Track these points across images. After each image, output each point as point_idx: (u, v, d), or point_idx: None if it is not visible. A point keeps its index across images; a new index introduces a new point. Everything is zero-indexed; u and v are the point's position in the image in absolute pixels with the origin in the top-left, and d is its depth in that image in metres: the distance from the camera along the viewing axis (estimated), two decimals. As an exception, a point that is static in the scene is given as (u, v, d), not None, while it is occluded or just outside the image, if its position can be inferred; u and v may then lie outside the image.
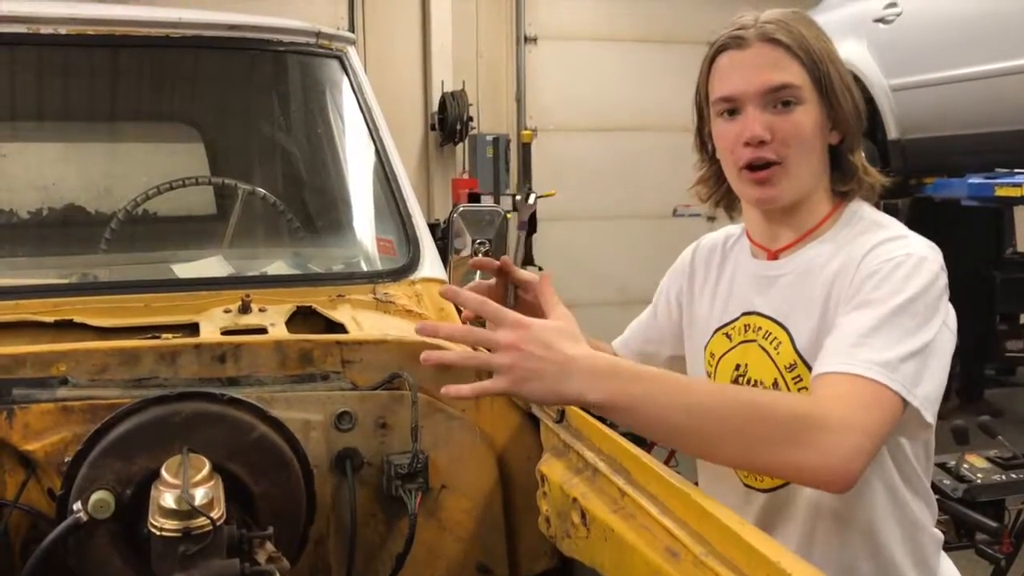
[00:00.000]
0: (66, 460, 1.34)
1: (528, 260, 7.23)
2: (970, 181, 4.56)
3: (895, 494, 1.44)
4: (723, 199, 1.60)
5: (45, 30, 2.17)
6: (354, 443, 1.56)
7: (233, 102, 2.80)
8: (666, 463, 1.32)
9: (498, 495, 1.66)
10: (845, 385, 1.23)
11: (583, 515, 1.38)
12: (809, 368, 1.40)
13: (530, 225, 6.95)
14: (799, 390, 1.43)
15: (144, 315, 1.86)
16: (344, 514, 1.55)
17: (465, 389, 1.18)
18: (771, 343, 1.48)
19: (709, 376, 1.59)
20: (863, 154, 1.52)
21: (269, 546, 1.25)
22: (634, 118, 8.24)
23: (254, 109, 2.73)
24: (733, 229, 1.67)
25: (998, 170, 4.56)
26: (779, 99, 1.41)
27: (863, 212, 1.50)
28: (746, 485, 1.51)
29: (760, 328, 1.50)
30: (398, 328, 1.90)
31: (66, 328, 1.78)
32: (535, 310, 1.38)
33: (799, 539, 1.45)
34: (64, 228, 2.64)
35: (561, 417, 1.57)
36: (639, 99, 8.24)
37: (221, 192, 2.61)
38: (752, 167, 1.44)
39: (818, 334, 1.40)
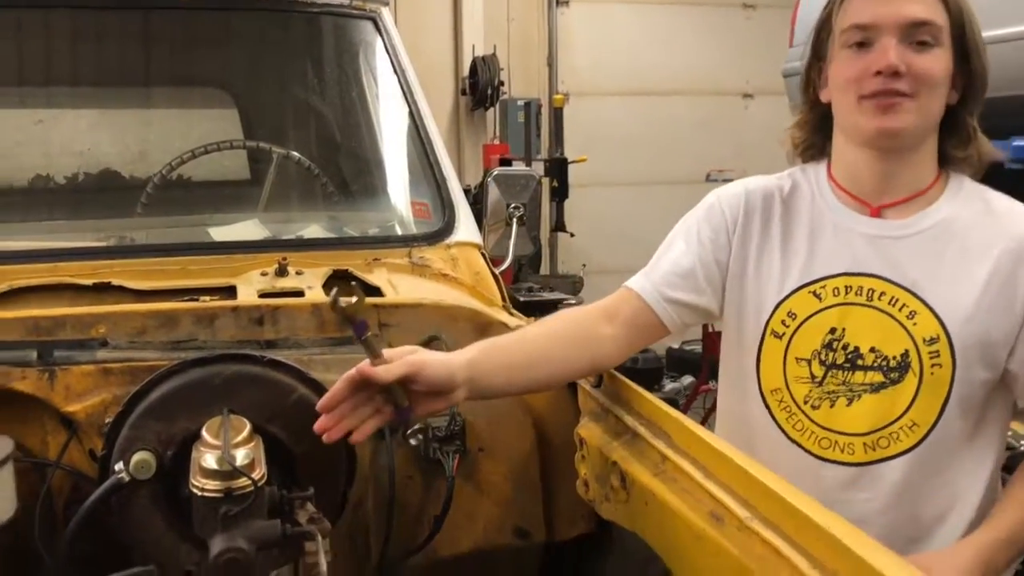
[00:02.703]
0: (107, 421, 1.35)
1: (560, 227, 7.19)
2: (1014, 143, 4.46)
3: (993, 479, 1.45)
4: (811, 148, 1.55)
5: (79, -7, 2.17)
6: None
7: (267, 65, 2.78)
8: (702, 423, 1.30)
9: (535, 459, 1.66)
10: None
11: (623, 479, 1.36)
12: (951, 345, 1.37)
13: (561, 191, 6.91)
14: (933, 366, 1.39)
15: (181, 278, 1.86)
16: (382, 476, 1.55)
17: None
18: (900, 310, 1.41)
19: (779, 337, 1.48)
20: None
21: (310, 507, 1.25)
22: (667, 82, 8.12)
23: (288, 72, 2.72)
24: (779, 179, 1.56)
25: (1043, 132, 4.45)
26: (917, 37, 1.36)
27: (967, 181, 1.46)
28: (820, 458, 1.45)
29: (876, 291, 1.42)
30: (434, 292, 1.89)
31: (104, 291, 1.79)
32: (433, 393, 1.29)
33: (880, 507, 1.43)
34: (100, 193, 2.64)
35: (599, 382, 1.56)
36: (672, 63, 8.11)
37: (255, 157, 2.60)
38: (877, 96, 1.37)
39: (975, 314, 1.37)
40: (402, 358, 1.25)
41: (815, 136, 1.54)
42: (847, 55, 1.40)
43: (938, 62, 1.37)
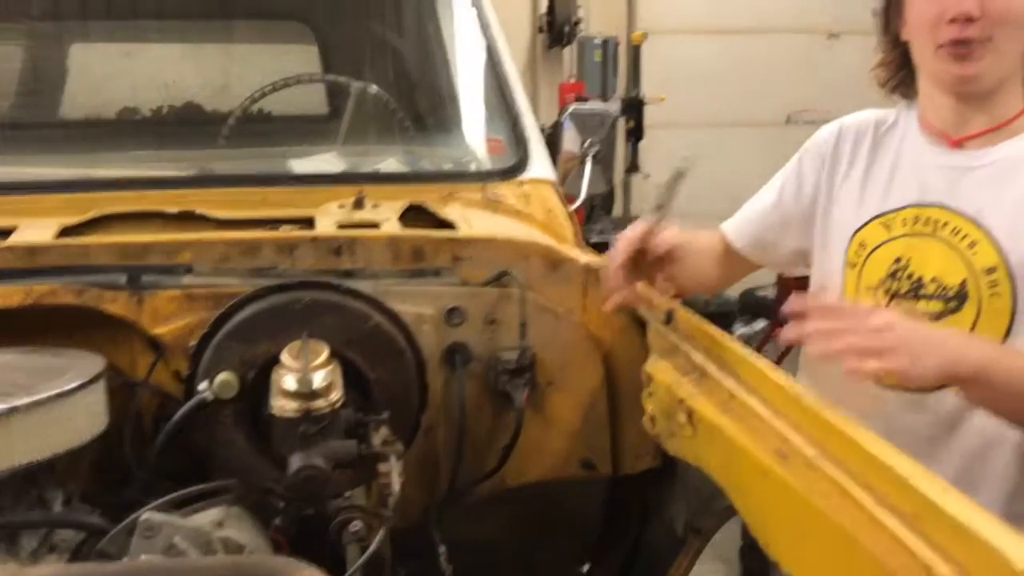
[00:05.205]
0: (191, 344, 1.40)
1: (633, 167, 7.11)
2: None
3: None
4: (900, 85, 1.54)
5: (163, -74, 2.19)
6: (464, 338, 1.58)
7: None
8: (777, 363, 1.30)
9: (603, 394, 1.68)
10: None
11: (690, 415, 1.37)
12: (1011, 276, 1.35)
13: (637, 131, 6.81)
14: (991, 296, 1.37)
15: (262, 208, 1.91)
16: (453, 406, 1.59)
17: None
18: (962, 240, 1.40)
19: (853, 267, 1.52)
20: None
21: (384, 430, 1.29)
22: (752, 20, 7.88)
23: (367, 5, 2.72)
24: (883, 114, 1.58)
25: None
26: None
27: None
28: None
29: (940, 222, 1.43)
30: (507, 227, 1.91)
31: (188, 219, 1.84)
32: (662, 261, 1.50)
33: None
34: (184, 125, 2.70)
35: (669, 319, 1.57)
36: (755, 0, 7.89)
37: (333, 92, 2.63)
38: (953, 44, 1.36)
39: None
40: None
41: (900, 73, 1.54)
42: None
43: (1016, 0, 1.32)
